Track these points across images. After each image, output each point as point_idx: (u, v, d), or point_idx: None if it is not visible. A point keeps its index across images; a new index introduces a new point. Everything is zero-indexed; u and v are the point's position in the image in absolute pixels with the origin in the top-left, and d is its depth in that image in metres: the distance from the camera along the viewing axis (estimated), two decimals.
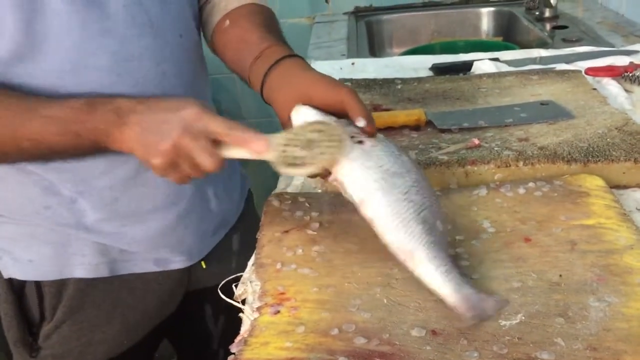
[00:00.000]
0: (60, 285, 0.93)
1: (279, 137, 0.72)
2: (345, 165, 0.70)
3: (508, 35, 2.02)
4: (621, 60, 1.34)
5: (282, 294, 0.70)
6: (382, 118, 1.05)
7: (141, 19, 0.84)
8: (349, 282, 0.71)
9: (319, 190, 0.95)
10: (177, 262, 0.99)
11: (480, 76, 1.29)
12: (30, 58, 0.77)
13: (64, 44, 0.78)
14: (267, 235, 0.81)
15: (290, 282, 0.72)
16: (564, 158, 0.90)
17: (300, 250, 0.77)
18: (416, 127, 1.06)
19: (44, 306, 0.94)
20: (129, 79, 0.83)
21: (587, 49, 1.49)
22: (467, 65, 1.43)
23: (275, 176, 1.04)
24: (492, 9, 2.10)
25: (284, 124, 0.78)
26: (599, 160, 0.90)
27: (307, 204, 0.87)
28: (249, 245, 0.82)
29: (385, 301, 0.68)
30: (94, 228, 0.90)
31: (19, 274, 0.93)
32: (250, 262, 0.80)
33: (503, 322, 0.64)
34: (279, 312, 0.67)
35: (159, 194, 0.91)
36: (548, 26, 1.85)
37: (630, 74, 1.23)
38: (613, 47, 1.55)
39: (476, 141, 0.96)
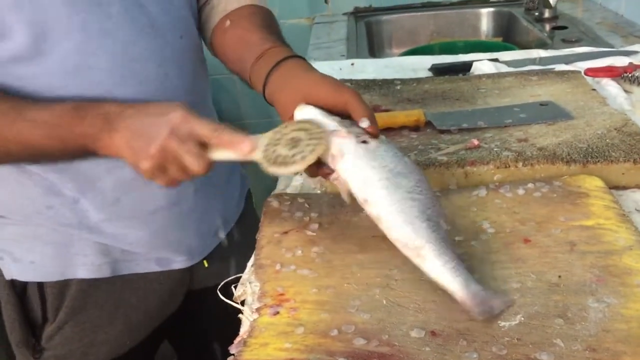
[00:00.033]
0: (63, 286, 0.93)
1: (265, 137, 0.73)
2: (350, 164, 0.71)
3: (507, 35, 2.02)
4: (620, 61, 1.34)
5: (282, 295, 0.70)
6: (382, 119, 1.05)
7: (142, 21, 0.84)
8: (349, 283, 0.71)
9: (319, 191, 0.95)
10: (179, 262, 0.99)
11: (480, 77, 1.29)
12: (32, 59, 0.78)
13: (66, 45, 0.78)
14: (266, 236, 0.81)
15: (290, 283, 0.72)
16: (563, 159, 0.91)
17: (299, 251, 0.77)
18: (415, 128, 1.06)
19: (47, 307, 0.94)
20: (132, 80, 0.83)
21: (587, 49, 1.49)
22: (467, 66, 1.43)
23: (274, 177, 1.04)
24: (491, 9, 2.10)
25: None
26: (598, 161, 0.90)
27: (306, 205, 0.87)
28: (248, 246, 0.82)
29: (384, 302, 0.68)
30: (97, 228, 0.90)
31: (21, 275, 0.93)
32: (249, 263, 0.80)
33: (502, 323, 0.64)
34: (278, 313, 0.67)
35: (161, 194, 0.91)
36: (547, 27, 1.85)
37: (630, 75, 1.23)
38: (612, 47, 1.55)
39: (475, 142, 0.96)
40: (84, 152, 0.77)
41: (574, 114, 1.05)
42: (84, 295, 0.94)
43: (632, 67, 1.27)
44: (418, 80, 1.30)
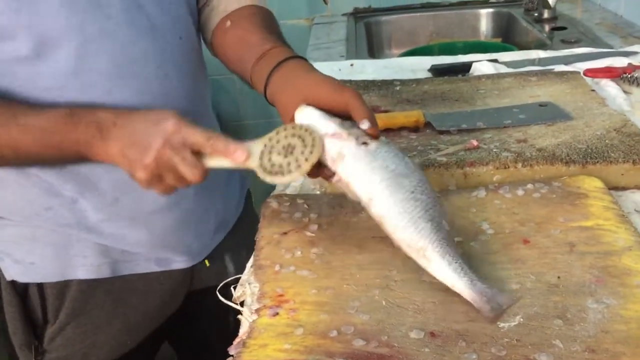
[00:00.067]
0: (63, 286, 0.93)
1: (258, 144, 0.73)
2: (351, 165, 0.71)
3: (507, 36, 2.02)
4: (620, 62, 1.34)
5: (281, 295, 0.70)
6: (381, 119, 1.05)
7: (141, 22, 0.84)
8: (348, 284, 0.71)
9: (318, 192, 0.95)
10: (179, 262, 0.99)
11: (479, 77, 1.29)
12: (32, 61, 0.78)
13: (65, 47, 0.78)
14: (265, 237, 0.81)
15: (289, 284, 0.72)
16: (562, 159, 0.91)
17: (298, 252, 0.77)
18: (415, 129, 1.06)
19: (47, 308, 0.94)
20: (131, 82, 0.83)
21: (586, 50, 1.49)
22: (466, 67, 1.43)
23: None
24: (490, 10, 2.10)
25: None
26: (597, 162, 0.90)
27: (305, 206, 0.87)
28: (248, 247, 0.82)
29: (384, 303, 0.68)
30: (96, 229, 0.90)
31: (21, 277, 0.93)
32: (248, 264, 0.80)
33: (501, 324, 0.64)
34: (277, 314, 0.67)
35: (160, 195, 0.91)
36: (547, 27, 1.85)
37: (629, 75, 1.23)
38: (612, 48, 1.55)
39: (475, 142, 0.96)
40: (79, 158, 0.78)
41: (573, 115, 1.05)
42: (84, 296, 0.94)
43: (632, 67, 1.27)
44: (417, 81, 1.30)
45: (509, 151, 0.94)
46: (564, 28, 1.81)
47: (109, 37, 0.81)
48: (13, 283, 0.94)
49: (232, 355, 0.64)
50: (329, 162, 0.72)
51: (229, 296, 0.76)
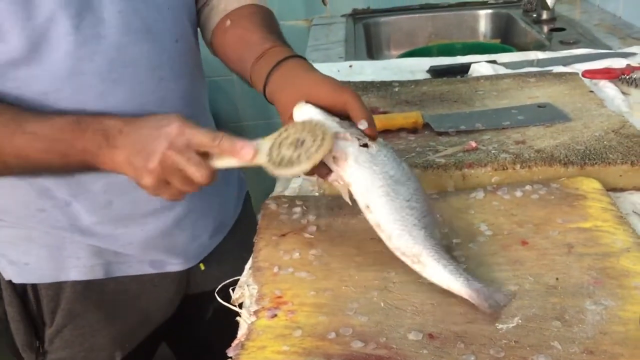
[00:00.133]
0: (57, 288, 0.93)
1: (267, 140, 0.73)
2: (353, 168, 0.71)
3: (505, 37, 2.02)
4: (618, 63, 1.34)
5: (279, 297, 0.70)
6: (380, 121, 1.05)
7: (137, 25, 0.84)
8: (346, 286, 0.71)
9: (317, 194, 0.95)
10: (173, 265, 0.99)
11: (478, 79, 1.29)
12: (27, 63, 0.78)
13: (59, 49, 0.78)
14: (264, 239, 0.81)
15: (288, 286, 0.72)
16: (560, 161, 0.91)
17: (297, 254, 0.77)
18: (413, 130, 1.06)
19: (42, 310, 0.94)
20: (126, 85, 0.83)
21: (585, 51, 1.49)
22: (465, 68, 1.43)
23: (273, 179, 1.04)
24: (489, 11, 2.10)
25: (286, 124, 0.78)
26: (595, 163, 0.90)
27: (304, 207, 0.87)
28: (246, 249, 0.82)
29: (382, 305, 0.68)
30: (89, 231, 0.90)
31: (16, 277, 0.93)
32: (247, 266, 0.80)
33: (500, 326, 0.64)
34: (276, 315, 0.67)
35: (155, 198, 0.91)
36: (545, 28, 1.85)
37: (628, 77, 1.23)
38: (610, 49, 1.56)
39: (473, 144, 0.97)
40: (85, 167, 0.77)
41: (572, 116, 1.05)
42: (79, 298, 0.94)
43: (630, 68, 1.27)
44: (416, 82, 1.30)
45: (508, 152, 0.94)
46: (562, 29, 1.81)
47: (102, 41, 0.81)
48: (12, 284, 0.94)
49: (231, 357, 0.64)
50: (330, 161, 0.72)
51: (227, 298, 0.76)
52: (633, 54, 1.43)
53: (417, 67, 1.49)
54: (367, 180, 0.71)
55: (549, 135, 0.99)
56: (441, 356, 0.60)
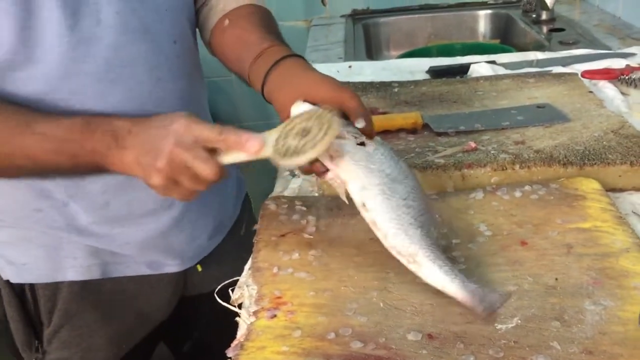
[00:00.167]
0: (54, 288, 0.93)
1: (273, 132, 0.72)
2: (349, 166, 0.71)
3: (505, 37, 2.02)
4: (617, 63, 1.34)
5: (279, 298, 0.70)
6: (379, 121, 1.05)
7: (134, 26, 0.83)
8: (346, 286, 0.71)
9: (316, 194, 0.95)
10: (171, 266, 0.99)
11: (477, 79, 1.29)
12: (23, 64, 0.77)
13: (56, 50, 0.78)
14: (263, 239, 0.81)
15: (287, 286, 0.72)
16: (560, 161, 0.91)
17: (296, 254, 0.77)
18: (413, 131, 1.06)
19: (40, 310, 0.94)
20: (123, 86, 0.83)
21: (584, 51, 1.49)
22: (464, 68, 1.43)
23: (272, 179, 1.04)
24: (489, 11, 2.10)
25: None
26: (595, 164, 0.90)
27: (303, 208, 0.87)
28: (245, 249, 0.82)
29: (381, 305, 0.68)
30: (86, 231, 0.90)
31: (14, 277, 0.93)
32: (246, 266, 0.80)
33: (499, 326, 0.64)
34: (275, 316, 0.67)
35: (152, 198, 0.91)
36: (545, 29, 1.85)
37: (627, 77, 1.23)
38: (610, 49, 1.56)
39: (473, 144, 0.97)
40: (94, 168, 0.77)
41: (571, 117, 1.05)
42: (76, 298, 0.94)
43: (629, 69, 1.27)
44: (415, 83, 1.30)
45: (507, 153, 0.94)
46: (562, 29, 1.81)
47: (100, 41, 0.81)
48: (11, 284, 0.94)
49: (230, 358, 0.64)
50: (326, 158, 0.72)
51: (226, 298, 0.76)
52: (632, 55, 1.43)
53: (417, 68, 1.49)
54: (363, 179, 0.71)
55: (548, 135, 0.99)
56: (440, 356, 0.60)
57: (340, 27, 2.07)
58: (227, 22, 0.93)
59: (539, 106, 1.10)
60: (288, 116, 0.75)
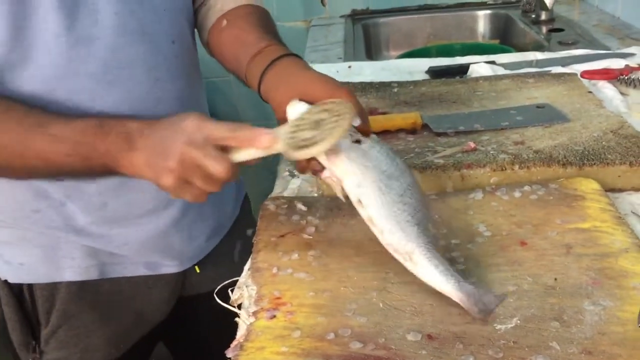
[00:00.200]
0: (52, 288, 0.93)
1: (284, 127, 0.72)
2: (345, 163, 0.71)
3: (504, 38, 2.02)
4: (617, 63, 1.34)
5: (278, 298, 0.70)
6: (379, 121, 1.05)
7: (133, 26, 0.83)
8: (345, 287, 0.71)
9: (315, 194, 0.95)
10: (169, 267, 0.99)
11: (477, 79, 1.29)
12: (21, 64, 0.77)
13: (53, 50, 0.78)
14: (263, 240, 0.81)
15: (286, 287, 0.72)
16: (559, 161, 0.91)
17: (296, 255, 0.77)
18: (412, 131, 1.06)
19: (37, 310, 0.94)
20: (121, 86, 0.83)
21: (583, 52, 1.49)
22: (464, 69, 1.43)
23: (271, 180, 1.04)
24: (488, 11, 2.10)
25: (281, 122, 0.78)
26: (594, 164, 0.90)
27: (303, 208, 0.86)
28: (245, 250, 0.82)
29: (381, 305, 0.68)
30: (84, 231, 0.90)
31: (12, 277, 0.93)
32: (246, 267, 0.80)
33: (498, 326, 0.64)
34: (274, 316, 0.67)
35: (150, 199, 0.91)
36: (544, 29, 1.85)
37: (626, 77, 1.23)
38: (609, 50, 1.56)
39: (472, 144, 0.97)
40: (107, 171, 0.76)
41: (570, 117, 1.05)
42: (74, 299, 0.94)
43: (629, 69, 1.27)
44: (415, 83, 1.30)
45: (506, 153, 0.94)
46: (561, 30, 1.82)
47: (97, 42, 0.80)
48: (9, 284, 0.94)
49: (230, 358, 0.64)
50: (322, 156, 0.72)
51: (226, 299, 0.76)
52: (632, 55, 1.43)
53: (416, 68, 1.49)
54: (359, 175, 0.70)
55: (548, 135, 0.99)
56: (440, 357, 0.60)
57: (340, 28, 2.07)
58: (225, 22, 0.93)
59: (538, 106, 1.10)
60: (284, 115, 0.75)
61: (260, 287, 0.73)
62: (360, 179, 0.70)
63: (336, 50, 1.84)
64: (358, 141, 0.72)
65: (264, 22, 0.92)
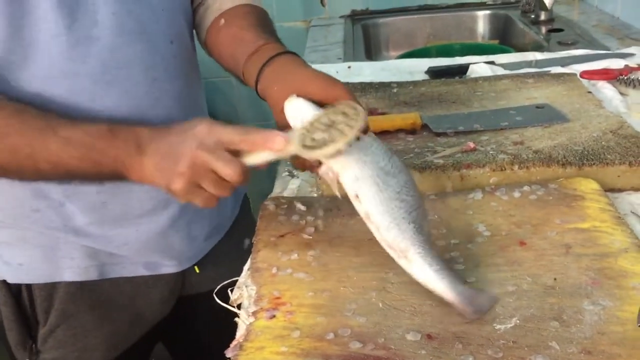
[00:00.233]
0: (51, 288, 0.93)
1: (297, 130, 0.71)
2: (342, 158, 0.71)
3: (504, 38, 2.02)
4: (616, 63, 1.35)
5: (278, 298, 0.70)
6: (378, 121, 1.05)
7: (131, 26, 0.83)
8: (345, 287, 0.71)
9: (315, 194, 0.95)
10: (168, 267, 0.98)
11: (476, 79, 1.30)
12: (19, 65, 0.77)
13: (52, 50, 0.78)
14: (262, 240, 0.81)
15: (286, 287, 0.72)
16: (559, 161, 0.91)
17: (295, 255, 0.77)
18: (412, 131, 1.06)
19: (36, 310, 0.94)
20: (119, 87, 0.83)
21: (583, 52, 1.50)
22: (463, 69, 1.43)
23: (271, 180, 1.05)
24: (487, 12, 2.10)
25: (278, 119, 0.78)
26: (593, 164, 0.90)
27: (302, 208, 0.87)
28: (244, 250, 0.82)
29: (380, 305, 0.68)
30: (83, 231, 0.90)
31: (11, 277, 0.93)
32: (245, 267, 0.80)
33: (498, 326, 0.64)
34: (274, 316, 0.67)
35: (149, 198, 0.91)
36: (544, 29, 1.85)
37: (626, 77, 1.23)
38: (608, 50, 1.56)
39: (471, 145, 0.97)
40: (116, 176, 0.76)
41: (570, 117, 1.05)
42: (73, 299, 0.94)
43: (628, 69, 1.27)
44: (414, 83, 1.30)
45: (506, 153, 0.94)
46: (560, 30, 1.82)
47: (96, 42, 0.80)
48: (7, 284, 0.94)
49: (229, 358, 0.64)
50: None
51: (225, 299, 0.76)
52: (631, 55, 1.43)
53: (416, 68, 1.49)
54: (356, 170, 0.70)
55: (547, 136, 0.99)
56: (439, 357, 0.60)
57: (340, 28, 2.07)
58: (223, 21, 0.93)
59: (537, 106, 1.11)
60: (281, 112, 0.75)
61: (259, 287, 0.73)
62: (357, 173, 0.70)
63: (336, 51, 1.84)
64: (357, 137, 0.72)
65: (262, 21, 0.92)
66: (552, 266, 0.72)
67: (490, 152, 0.95)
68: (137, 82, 0.85)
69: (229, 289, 0.77)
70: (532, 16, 1.93)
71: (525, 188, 0.86)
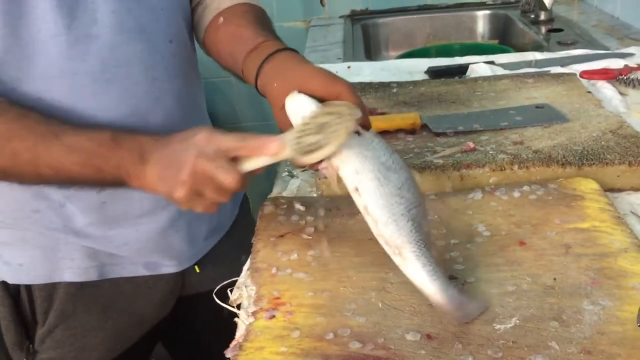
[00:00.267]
0: (51, 289, 0.93)
1: (290, 133, 0.72)
2: (343, 151, 0.70)
3: (503, 38, 2.02)
4: (616, 63, 1.35)
5: (278, 298, 0.70)
6: (378, 122, 1.05)
7: (130, 25, 0.83)
8: (344, 287, 0.71)
9: (315, 195, 0.95)
10: (168, 267, 0.98)
11: (476, 79, 1.30)
12: (18, 63, 0.77)
13: (51, 49, 0.78)
14: (262, 240, 0.81)
15: (286, 287, 0.72)
16: (558, 161, 0.91)
17: (295, 255, 0.77)
18: (411, 131, 1.06)
19: (35, 310, 0.94)
20: (118, 86, 0.83)
21: (582, 52, 1.50)
22: (463, 69, 1.43)
23: (270, 180, 1.05)
24: (487, 12, 2.11)
25: (278, 115, 0.78)
26: (593, 164, 0.90)
27: (302, 208, 0.86)
28: (244, 250, 0.82)
29: (380, 305, 0.68)
30: (83, 232, 0.90)
31: (11, 278, 0.93)
32: (245, 267, 0.80)
33: (497, 326, 0.64)
34: (274, 316, 0.68)
35: (148, 199, 0.91)
36: (543, 29, 1.85)
37: (625, 77, 1.23)
38: (608, 50, 1.56)
39: (471, 145, 0.97)
40: (118, 184, 0.76)
41: (570, 117, 1.05)
42: (72, 299, 0.94)
43: (628, 69, 1.28)
44: (414, 83, 1.30)
45: (505, 153, 0.94)
46: (560, 30, 1.82)
47: (95, 41, 0.81)
48: (6, 284, 0.94)
49: (229, 358, 0.64)
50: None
51: (225, 299, 0.76)
52: (631, 55, 1.43)
53: (415, 68, 1.49)
54: (357, 163, 0.70)
55: (547, 135, 0.99)
56: (439, 357, 0.61)
57: (339, 28, 2.07)
58: (221, 19, 0.93)
59: (537, 106, 1.11)
60: (282, 108, 0.75)
61: (259, 287, 0.73)
62: (358, 167, 0.70)
63: (335, 51, 1.84)
64: (357, 132, 0.72)
65: (261, 20, 0.92)
66: (552, 266, 0.72)
67: (490, 152, 0.95)
68: (136, 81, 0.85)
69: (229, 289, 0.77)
70: (532, 16, 1.93)
71: (525, 188, 0.86)
